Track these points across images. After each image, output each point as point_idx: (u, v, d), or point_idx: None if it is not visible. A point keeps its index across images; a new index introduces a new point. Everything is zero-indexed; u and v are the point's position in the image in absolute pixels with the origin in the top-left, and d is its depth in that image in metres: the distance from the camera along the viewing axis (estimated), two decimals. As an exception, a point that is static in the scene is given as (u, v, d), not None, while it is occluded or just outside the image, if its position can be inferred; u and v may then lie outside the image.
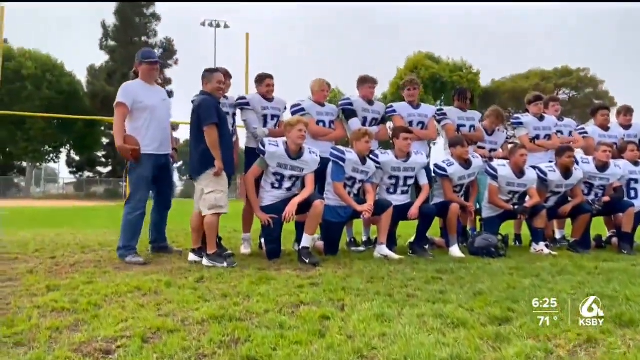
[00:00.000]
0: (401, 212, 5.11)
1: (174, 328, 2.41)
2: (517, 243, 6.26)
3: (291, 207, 4.48)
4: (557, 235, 6.34)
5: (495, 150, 6.10)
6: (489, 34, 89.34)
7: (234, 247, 5.58)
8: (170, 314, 2.67)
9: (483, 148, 6.01)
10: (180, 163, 46.03)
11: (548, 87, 37.08)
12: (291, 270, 4.13)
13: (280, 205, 4.62)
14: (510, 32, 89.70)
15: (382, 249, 4.90)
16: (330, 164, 4.95)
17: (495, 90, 38.82)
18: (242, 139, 5.63)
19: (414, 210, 5.05)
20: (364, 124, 5.44)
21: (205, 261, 4.32)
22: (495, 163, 5.52)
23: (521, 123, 6.19)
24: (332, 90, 5.84)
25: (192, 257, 4.54)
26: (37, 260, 4.61)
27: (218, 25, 40.04)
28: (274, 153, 4.62)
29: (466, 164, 5.41)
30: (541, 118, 6.18)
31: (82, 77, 40.96)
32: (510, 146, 6.16)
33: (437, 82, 35.71)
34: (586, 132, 6.44)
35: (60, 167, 51.91)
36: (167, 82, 41.96)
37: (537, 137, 6.12)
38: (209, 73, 4.63)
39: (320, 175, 4.97)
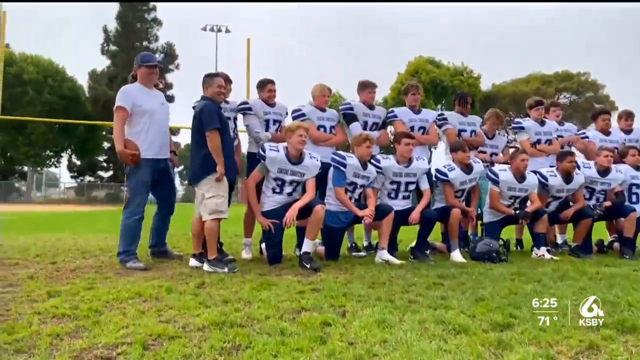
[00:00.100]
0: (402, 217, 5.11)
1: (174, 334, 2.40)
2: (519, 248, 6.25)
3: (292, 213, 4.48)
4: (559, 240, 6.33)
5: (496, 154, 6.10)
6: (490, 38, 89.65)
7: (235, 251, 5.58)
8: (171, 320, 2.67)
9: (484, 152, 6.01)
10: (181, 167, 46.09)
11: (549, 92, 37.12)
12: (292, 275, 4.12)
13: (281, 210, 4.61)
14: (510, 35, 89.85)
15: (383, 254, 4.89)
16: (331, 169, 4.96)
17: (496, 95, 38.85)
18: (245, 144, 5.64)
19: (415, 215, 5.05)
20: (364, 129, 5.45)
21: (206, 266, 4.32)
22: (497, 168, 5.52)
23: (522, 128, 6.19)
24: (332, 94, 5.84)
25: (193, 262, 4.53)
26: (37, 266, 4.61)
27: (219, 30, 40.25)
28: (275, 158, 4.62)
29: (467, 168, 5.41)
30: (542, 123, 6.18)
31: (83, 81, 41.19)
32: (511, 150, 6.16)
33: (438, 87, 35.77)
34: (587, 137, 6.44)
35: (62, 172, 52.03)
36: (168, 86, 42.11)
37: (539, 141, 6.12)
38: (209, 78, 4.63)
39: (321, 181, 4.97)
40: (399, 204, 5.19)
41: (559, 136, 6.24)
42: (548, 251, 5.40)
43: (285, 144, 4.76)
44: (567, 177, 5.56)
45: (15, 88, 33.41)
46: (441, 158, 6.21)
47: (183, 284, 3.72)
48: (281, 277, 4.05)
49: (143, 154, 4.60)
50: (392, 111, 5.82)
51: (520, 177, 5.41)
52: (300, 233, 4.86)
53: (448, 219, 5.21)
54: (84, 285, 3.59)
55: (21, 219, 14.62)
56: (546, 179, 5.54)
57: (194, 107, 4.65)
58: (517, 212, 5.38)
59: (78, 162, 44.20)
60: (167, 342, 2.31)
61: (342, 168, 4.87)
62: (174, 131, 35.43)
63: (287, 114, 5.52)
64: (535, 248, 5.42)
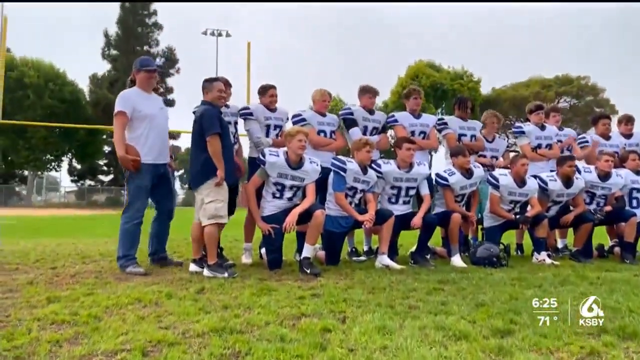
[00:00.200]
0: (402, 222, 5.11)
1: (174, 341, 2.40)
2: (519, 252, 6.24)
3: (291, 218, 4.48)
4: (559, 245, 6.32)
5: (496, 158, 6.10)
6: (490, 38, 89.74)
7: (236, 256, 5.58)
8: (171, 327, 2.66)
9: (484, 156, 6.01)
10: (181, 171, 46.10)
11: (549, 95, 37.18)
12: (292, 280, 4.11)
13: (281, 215, 4.61)
14: (510, 39, 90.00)
15: (384, 259, 4.88)
16: (331, 174, 4.95)
17: (496, 99, 38.89)
18: (246, 148, 5.64)
19: (417, 220, 5.04)
20: (364, 133, 5.45)
21: (206, 272, 4.31)
22: (497, 172, 5.52)
23: (523, 132, 6.19)
24: (333, 98, 5.85)
25: (193, 267, 4.52)
26: (37, 271, 4.60)
27: (220, 34, 40.38)
28: (274, 163, 4.62)
29: (467, 173, 5.40)
30: (542, 127, 6.18)
31: (84, 85, 41.31)
32: (512, 155, 6.16)
33: (438, 90, 35.83)
34: (587, 142, 6.44)
35: (62, 176, 52.07)
36: (168, 90, 42.24)
37: (539, 146, 6.12)
38: (208, 83, 4.63)
39: (321, 186, 4.97)
40: (399, 209, 5.19)
41: (558, 141, 6.24)
42: (549, 256, 5.40)
43: (285, 148, 4.76)
44: (567, 182, 5.56)
45: (16, 92, 33.50)
46: (441, 162, 6.22)
47: (183, 289, 3.71)
48: (281, 282, 4.05)
49: (143, 159, 4.59)
50: (393, 116, 5.83)
51: (521, 181, 5.41)
52: (301, 238, 4.86)
53: (448, 223, 5.20)
54: (83, 291, 3.58)
55: (21, 223, 14.64)
56: (546, 184, 5.54)
57: (194, 112, 4.65)
58: (518, 216, 5.37)
59: (78, 166, 44.29)
60: (167, 348, 2.31)
61: (342, 173, 4.87)
62: (175, 135, 35.52)
63: (288, 119, 5.52)
64: (535, 253, 5.41)
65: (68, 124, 31.24)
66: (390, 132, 6.30)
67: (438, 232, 5.63)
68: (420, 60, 37.80)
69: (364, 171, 4.98)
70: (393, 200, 5.26)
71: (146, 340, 2.40)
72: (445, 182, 5.34)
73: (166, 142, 4.99)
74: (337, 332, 2.56)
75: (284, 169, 4.64)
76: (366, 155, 4.95)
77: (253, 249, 5.43)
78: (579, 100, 39.36)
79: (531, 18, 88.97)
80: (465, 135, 5.89)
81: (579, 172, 5.71)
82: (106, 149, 41.88)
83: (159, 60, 41.15)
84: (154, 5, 42.51)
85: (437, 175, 5.43)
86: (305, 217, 4.56)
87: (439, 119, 6.05)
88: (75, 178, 45.60)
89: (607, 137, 6.40)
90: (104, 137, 40.43)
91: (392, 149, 5.42)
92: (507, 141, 6.71)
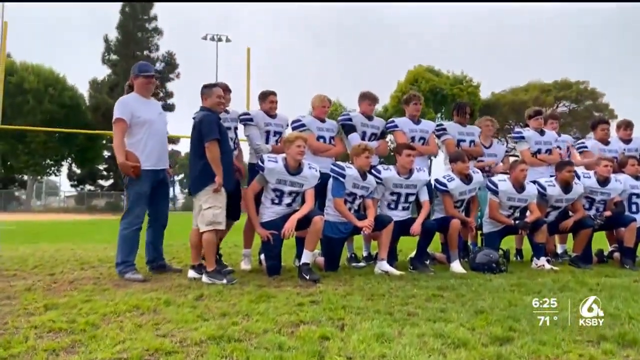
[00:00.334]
0: (402, 228, 5.10)
1: (172, 349, 2.39)
2: (519, 258, 6.23)
3: (290, 224, 4.47)
4: (559, 250, 6.31)
5: (495, 163, 6.09)
6: (489, 42, 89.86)
7: (235, 262, 5.56)
8: (169, 335, 2.64)
9: (483, 162, 6.00)
10: (181, 176, 46.12)
11: (548, 100, 37.25)
12: (291, 287, 4.10)
13: (280, 221, 4.60)
14: (510, 39, 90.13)
15: (383, 265, 4.87)
16: (331, 179, 4.95)
17: (495, 103, 38.98)
18: (246, 154, 5.64)
19: (416, 227, 5.03)
20: (362, 139, 5.45)
21: (204, 278, 4.29)
22: (496, 178, 5.51)
23: (523, 137, 6.19)
24: (332, 103, 5.86)
25: (191, 273, 4.51)
26: (35, 277, 4.59)
27: (220, 39, 40.51)
28: (273, 169, 4.62)
29: (467, 179, 5.40)
30: (542, 132, 6.18)
31: (84, 90, 41.35)
32: (511, 159, 6.16)
33: (438, 95, 35.90)
34: (586, 147, 6.45)
35: (62, 180, 52.05)
36: (168, 95, 42.33)
37: (539, 151, 6.12)
38: (207, 89, 4.63)
39: (320, 191, 4.96)
40: (398, 215, 5.18)
41: (558, 147, 6.24)
42: (548, 261, 5.39)
43: (284, 154, 4.76)
44: (566, 187, 5.56)
45: (16, 97, 33.54)
46: (440, 168, 6.21)
47: (181, 296, 3.70)
48: (280, 288, 4.03)
49: (142, 165, 4.58)
50: (393, 121, 5.82)
51: (520, 187, 5.41)
52: (300, 244, 4.85)
53: (447, 229, 5.19)
54: (81, 298, 3.57)
55: (21, 228, 14.61)
56: (545, 189, 5.53)
57: (194, 118, 4.65)
58: (517, 222, 5.36)
59: (78, 171, 44.30)
60: (164, 357, 2.30)
61: (341, 179, 4.87)
62: (174, 140, 35.61)
63: (287, 125, 5.52)
64: (535, 258, 5.40)
65: (68, 129, 31.24)
66: (389, 137, 6.30)
67: (437, 237, 5.62)
68: (419, 65, 37.90)
69: (363, 177, 4.98)
70: (392, 206, 5.25)
71: (143, 348, 2.39)
72: (444, 188, 5.34)
73: (165, 148, 4.99)
74: (336, 339, 2.55)
75: (283, 175, 4.64)
76: (365, 161, 4.94)
77: (252, 255, 5.42)
78: (578, 104, 39.44)
79: (531, 18, 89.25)
80: (464, 140, 5.89)
81: (578, 177, 5.71)
82: (106, 153, 41.86)
83: (159, 65, 41.25)
84: (154, 10, 42.69)
85: (436, 181, 5.43)
86: (304, 223, 4.56)
87: (437, 125, 6.04)
88: (75, 183, 45.61)
89: (606, 143, 6.40)
90: (104, 142, 40.44)
91: (392, 154, 5.42)
92: (506, 146, 6.69)
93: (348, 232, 5.06)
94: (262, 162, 4.66)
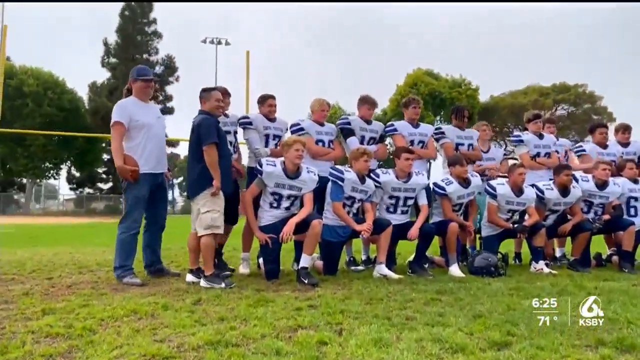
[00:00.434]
0: (400, 231, 5.09)
1: (169, 355, 2.38)
2: (517, 261, 6.23)
3: (288, 228, 4.47)
4: (557, 254, 6.32)
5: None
6: (489, 42, 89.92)
7: (233, 266, 5.54)
8: (166, 340, 2.64)
9: (480, 166, 6.01)
10: (180, 179, 46.07)
11: (546, 103, 37.28)
12: (290, 291, 4.09)
13: (279, 224, 4.60)
14: (509, 39, 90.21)
15: (382, 269, 4.87)
16: (329, 183, 4.95)
17: (494, 106, 38.98)
18: (245, 157, 5.63)
19: (414, 232, 5.03)
20: (361, 143, 5.45)
21: (202, 282, 4.29)
22: (494, 182, 5.52)
23: (522, 141, 6.20)
24: (332, 106, 5.87)
25: (189, 277, 4.50)
26: (33, 281, 4.58)
27: (219, 43, 40.59)
28: (271, 173, 4.61)
29: (465, 183, 5.40)
30: (541, 136, 6.19)
31: (83, 94, 41.34)
32: (510, 162, 6.17)
33: (437, 98, 35.92)
34: (584, 150, 6.45)
35: (61, 184, 51.94)
36: (168, 98, 42.33)
37: (538, 154, 6.12)
38: (206, 92, 4.62)
39: (319, 195, 4.96)
40: (397, 219, 5.18)
41: (556, 150, 6.25)
42: (547, 265, 5.38)
43: (282, 158, 4.76)
44: (564, 191, 5.56)
45: (15, 100, 33.54)
46: (438, 171, 6.22)
47: (179, 300, 3.69)
48: (278, 292, 4.03)
49: (140, 169, 4.58)
50: (392, 125, 5.82)
51: (518, 191, 5.41)
52: (299, 247, 4.84)
53: (446, 233, 5.19)
54: (79, 302, 3.56)
55: (19, 232, 14.59)
56: (543, 192, 5.53)
57: (193, 122, 4.64)
58: (516, 226, 5.36)
59: (77, 174, 44.25)
60: (161, 362, 2.29)
61: (340, 182, 4.87)
62: (173, 143, 35.59)
63: (287, 129, 5.52)
64: (533, 262, 5.39)
65: (67, 132, 31.24)
66: (389, 140, 6.30)
67: (436, 241, 5.62)
68: (418, 69, 37.95)
69: (362, 181, 4.98)
70: (391, 209, 5.25)
71: (140, 354, 2.38)
72: (442, 192, 5.34)
73: (164, 151, 4.99)
74: (334, 345, 2.54)
75: (281, 178, 4.64)
76: (364, 164, 4.94)
77: (251, 259, 5.41)
78: (577, 108, 39.46)
79: (531, 18, 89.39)
80: (462, 144, 5.89)
81: (576, 180, 5.71)
82: (105, 157, 41.84)
83: (158, 69, 41.27)
84: (154, 14, 42.72)
85: (435, 184, 5.43)
86: (302, 227, 4.55)
87: (436, 128, 6.05)
88: (74, 186, 45.56)
89: (605, 146, 6.41)
90: (103, 145, 40.41)
91: (391, 158, 5.42)
92: (504, 149, 6.71)
93: (347, 236, 5.06)
94: (261, 165, 4.66)
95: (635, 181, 5.92)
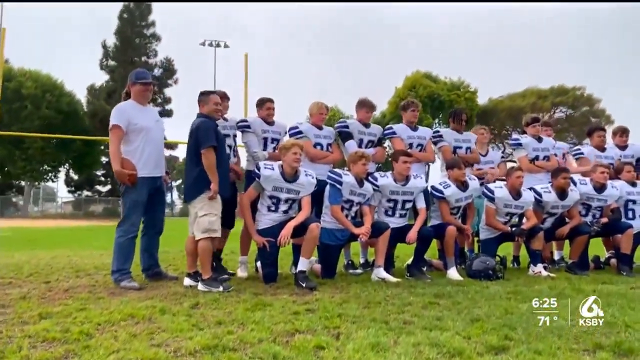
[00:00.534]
0: (399, 235, 5.09)
1: (166, 359, 2.37)
2: (515, 264, 6.23)
3: (286, 232, 4.46)
4: (556, 256, 6.32)
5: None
6: (489, 42, 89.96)
7: (231, 269, 5.53)
8: (163, 344, 2.63)
9: (480, 169, 6.01)
10: (179, 182, 46.02)
11: (545, 106, 37.31)
12: (287, 294, 4.08)
13: (277, 228, 4.59)
14: (509, 39, 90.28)
15: (380, 272, 4.86)
16: (328, 186, 4.95)
17: (493, 109, 38.99)
18: (244, 161, 5.63)
19: (412, 235, 5.03)
20: (359, 146, 5.45)
21: (200, 286, 4.28)
22: (492, 185, 5.52)
23: (520, 144, 6.21)
24: (331, 109, 5.88)
25: (187, 281, 4.49)
26: (30, 285, 4.57)
27: (218, 45, 40.64)
28: (269, 176, 4.61)
29: (463, 186, 5.41)
30: (539, 139, 6.20)
31: (81, 96, 41.29)
32: (509, 165, 6.17)
33: (435, 101, 35.94)
34: (582, 153, 6.46)
35: (59, 186, 51.85)
36: (166, 101, 42.32)
37: (536, 158, 6.13)
38: (204, 96, 4.62)
39: (317, 199, 4.96)
40: (395, 222, 5.18)
41: (554, 154, 6.26)
42: (545, 268, 5.38)
43: (280, 162, 4.75)
44: (562, 194, 5.57)
45: (14, 103, 33.48)
46: (437, 174, 6.22)
47: (177, 304, 3.68)
48: (276, 296, 4.02)
49: (139, 173, 4.57)
50: (391, 128, 5.82)
51: (516, 194, 5.41)
52: (297, 251, 4.84)
53: (444, 236, 5.19)
54: (76, 306, 3.55)
55: (17, 235, 14.56)
56: (540, 195, 5.54)
57: (192, 125, 4.64)
58: (514, 229, 5.37)
59: (75, 177, 44.15)
60: (158, 367, 2.28)
61: (338, 186, 4.87)
62: (172, 146, 35.56)
63: (285, 133, 5.52)
64: (531, 265, 5.40)
65: (65, 135, 31.16)
66: (387, 143, 6.30)
67: (434, 244, 5.62)
68: (417, 71, 38.00)
69: (360, 184, 4.98)
70: (389, 213, 5.25)
71: (137, 358, 2.37)
72: (440, 195, 5.34)
73: (162, 155, 4.98)
74: (331, 349, 2.54)
75: (279, 182, 4.63)
76: (362, 168, 4.95)
77: (249, 262, 5.40)
78: (575, 110, 39.49)
79: (531, 18, 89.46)
80: (460, 147, 5.90)
81: (574, 183, 5.71)
82: (103, 159, 41.74)
83: (157, 71, 41.26)
84: (152, 16, 42.72)
85: (433, 187, 5.43)
86: (300, 230, 4.55)
87: (434, 131, 6.06)
88: (72, 189, 45.47)
89: (602, 149, 6.42)
90: (102, 147, 40.33)
91: (390, 161, 5.42)
92: (503, 152, 6.71)
93: (345, 239, 5.06)
94: (258, 169, 4.66)
95: (633, 184, 5.93)
